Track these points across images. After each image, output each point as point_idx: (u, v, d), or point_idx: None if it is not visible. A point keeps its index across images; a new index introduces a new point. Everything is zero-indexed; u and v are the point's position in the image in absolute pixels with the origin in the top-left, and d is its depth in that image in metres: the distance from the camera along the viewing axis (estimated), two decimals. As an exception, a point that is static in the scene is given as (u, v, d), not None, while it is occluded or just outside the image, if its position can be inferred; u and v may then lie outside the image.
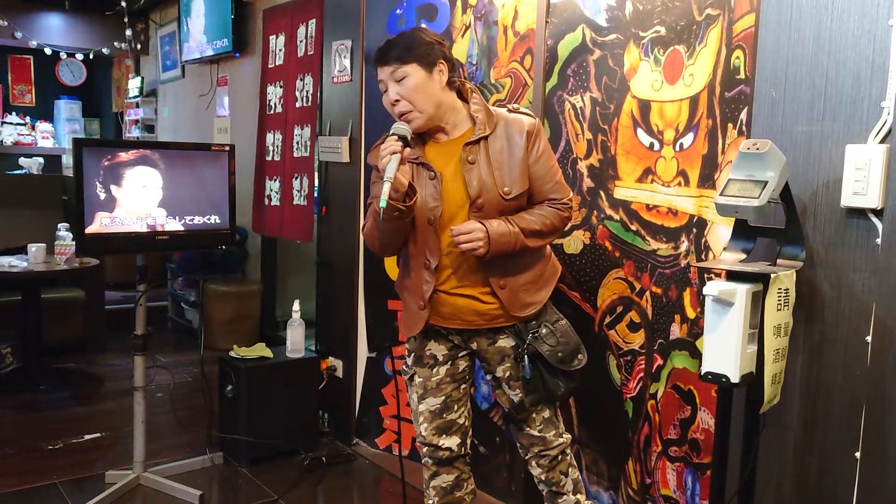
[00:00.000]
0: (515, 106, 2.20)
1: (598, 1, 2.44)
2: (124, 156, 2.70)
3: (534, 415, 2.24)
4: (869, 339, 1.67)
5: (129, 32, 6.56)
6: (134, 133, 7.20)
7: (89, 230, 2.63)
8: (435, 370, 2.28)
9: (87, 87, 8.98)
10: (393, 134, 2.01)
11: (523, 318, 2.17)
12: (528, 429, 2.26)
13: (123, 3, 6.37)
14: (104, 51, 7.12)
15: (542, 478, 2.30)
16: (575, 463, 2.33)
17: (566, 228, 2.23)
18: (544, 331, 2.18)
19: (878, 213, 1.64)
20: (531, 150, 2.11)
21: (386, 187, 1.91)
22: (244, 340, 5.04)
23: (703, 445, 2.16)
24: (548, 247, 2.26)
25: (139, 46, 6.85)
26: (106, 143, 3.59)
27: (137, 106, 7.09)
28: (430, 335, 2.27)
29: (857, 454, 1.70)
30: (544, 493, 2.34)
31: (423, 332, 2.25)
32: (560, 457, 2.28)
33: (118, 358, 4.84)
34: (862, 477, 1.69)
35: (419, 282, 2.18)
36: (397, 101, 2.06)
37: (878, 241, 1.65)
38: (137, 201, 2.72)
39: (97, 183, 2.62)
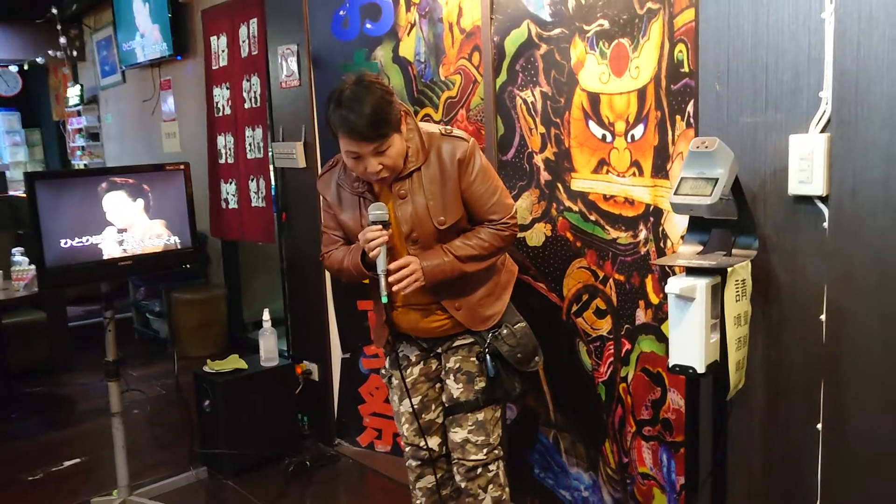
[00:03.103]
0: (449, 129, 2.18)
1: (540, -4, 2.47)
2: (79, 185, 2.67)
3: (468, 413, 2.25)
4: (823, 318, 1.75)
5: (63, 40, 6.37)
6: (78, 142, 7.03)
7: (50, 263, 2.60)
8: (409, 371, 2.34)
9: (22, 97, 8.71)
10: (374, 222, 2.05)
11: (484, 329, 2.23)
12: (458, 430, 2.26)
13: (55, 11, 6.18)
14: (39, 60, 6.91)
15: (462, 486, 2.30)
16: (503, 482, 2.31)
17: (509, 243, 2.23)
18: (505, 331, 2.25)
19: (824, 199, 1.72)
20: (463, 176, 2.12)
21: (383, 282, 2.03)
22: (213, 346, 5.05)
23: (674, 424, 2.25)
24: (502, 256, 2.29)
25: (75, 53, 6.66)
26: (59, 175, 3.53)
27: (79, 114, 6.92)
28: (402, 337, 2.33)
29: (819, 426, 1.79)
30: (463, 502, 2.35)
31: (395, 335, 2.31)
32: (480, 470, 2.26)
33: (87, 376, 4.80)
34: (824, 447, 1.79)
35: (380, 307, 2.23)
36: (380, 169, 2.02)
37: (825, 225, 1.72)
38: (97, 229, 2.69)
39: (53, 215, 2.59)
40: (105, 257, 2.71)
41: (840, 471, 1.77)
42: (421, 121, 2.57)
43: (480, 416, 2.25)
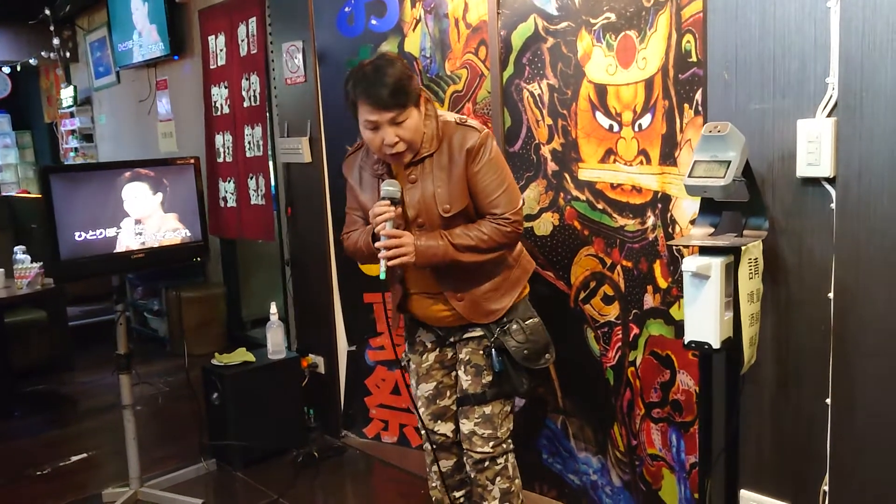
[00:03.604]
0: (464, 118, 2.19)
1: (547, -10, 2.53)
2: (94, 178, 2.70)
3: (475, 406, 2.26)
4: (831, 295, 1.82)
5: (56, 41, 6.37)
6: (72, 143, 7.03)
7: (64, 256, 2.63)
8: (425, 356, 2.38)
9: (12, 99, 8.67)
10: (385, 198, 2.07)
11: (487, 323, 2.23)
12: (465, 421, 2.29)
13: (48, 12, 6.18)
14: (31, 61, 6.91)
15: (471, 476, 2.33)
16: (512, 474, 2.32)
17: (511, 240, 2.17)
18: (514, 326, 2.23)
19: (831, 181, 1.79)
20: (471, 165, 2.11)
21: (383, 262, 2.04)
22: (213, 344, 5.07)
23: (684, 405, 2.31)
24: (516, 250, 2.28)
25: (68, 54, 6.66)
26: (72, 168, 3.55)
27: (72, 115, 6.92)
28: (419, 324, 2.37)
29: (828, 401, 1.86)
30: (474, 492, 2.38)
31: (414, 321, 2.36)
32: (488, 463, 2.27)
33: (88, 375, 4.82)
34: (834, 422, 1.86)
35: (395, 289, 2.31)
36: (396, 142, 2.05)
37: (833, 206, 1.79)
38: (110, 222, 2.73)
39: (68, 208, 2.62)
40: (119, 250, 2.74)
41: (849, 445, 1.84)
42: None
43: (488, 409, 2.26)
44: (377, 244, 2.08)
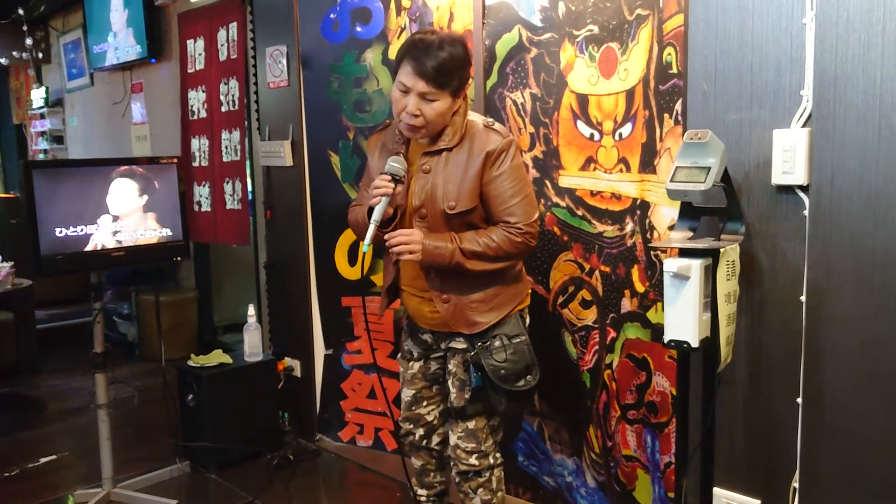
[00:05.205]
0: (491, 121, 2.17)
1: (531, 2, 2.60)
2: (76, 174, 2.69)
3: (458, 420, 2.26)
4: (803, 298, 1.90)
5: (29, 41, 6.30)
6: (41, 145, 6.94)
7: (44, 251, 2.62)
8: (410, 364, 2.39)
9: (-21, 99, 8.53)
10: (387, 173, 2.04)
11: (468, 334, 2.18)
12: (451, 434, 2.31)
13: (21, 11, 6.12)
14: (2, 61, 6.82)
15: (456, 480, 2.34)
16: (496, 487, 2.31)
17: (521, 251, 2.13)
18: (497, 343, 2.16)
19: (804, 188, 1.87)
20: (488, 169, 2.08)
21: (371, 229, 2.02)
22: (183, 349, 5.02)
23: (659, 406, 2.38)
24: (516, 268, 2.24)
25: (40, 55, 6.59)
26: (54, 164, 3.53)
27: (43, 117, 6.83)
28: (410, 331, 2.38)
29: (799, 400, 1.94)
30: (456, 495, 2.41)
31: (407, 328, 2.39)
32: (472, 475, 2.27)
33: (55, 378, 4.74)
34: (804, 420, 1.93)
35: (388, 271, 2.33)
36: (416, 115, 2.04)
37: (806, 212, 1.88)
38: (91, 219, 2.72)
39: (49, 204, 2.61)
40: (99, 247, 2.74)
41: (819, 442, 1.91)
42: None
43: (471, 424, 2.25)
44: (376, 226, 2.04)
